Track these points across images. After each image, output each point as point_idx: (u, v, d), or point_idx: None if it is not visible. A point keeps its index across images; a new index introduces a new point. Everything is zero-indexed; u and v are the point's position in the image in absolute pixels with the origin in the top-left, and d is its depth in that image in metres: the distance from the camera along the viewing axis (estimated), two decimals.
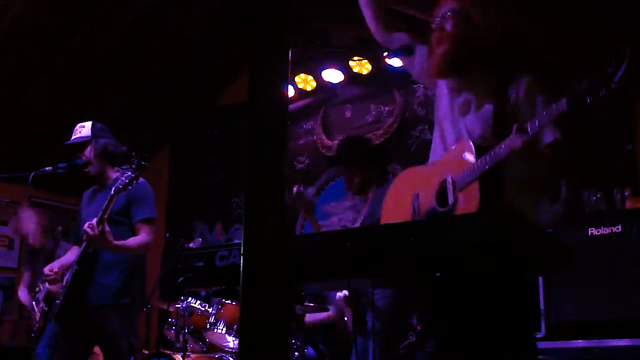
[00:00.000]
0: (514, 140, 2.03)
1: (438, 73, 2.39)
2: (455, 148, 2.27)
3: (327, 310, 4.76)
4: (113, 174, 3.75)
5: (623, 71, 1.87)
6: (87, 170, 3.72)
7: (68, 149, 3.77)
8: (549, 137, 2.14)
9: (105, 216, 3.33)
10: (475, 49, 2.27)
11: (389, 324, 3.46)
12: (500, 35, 2.28)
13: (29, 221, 5.76)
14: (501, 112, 2.22)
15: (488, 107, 2.26)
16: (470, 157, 2.15)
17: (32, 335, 5.48)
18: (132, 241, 3.55)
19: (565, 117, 1.96)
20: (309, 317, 4.73)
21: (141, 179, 3.53)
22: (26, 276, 5.79)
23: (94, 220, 3.30)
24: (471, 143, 2.19)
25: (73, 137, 3.78)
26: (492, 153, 2.09)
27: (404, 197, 2.34)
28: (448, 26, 2.29)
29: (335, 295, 4.40)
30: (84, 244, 3.46)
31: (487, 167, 2.09)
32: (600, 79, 1.90)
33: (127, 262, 3.59)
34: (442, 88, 2.43)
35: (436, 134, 2.44)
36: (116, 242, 3.42)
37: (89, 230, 3.29)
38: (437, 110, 2.45)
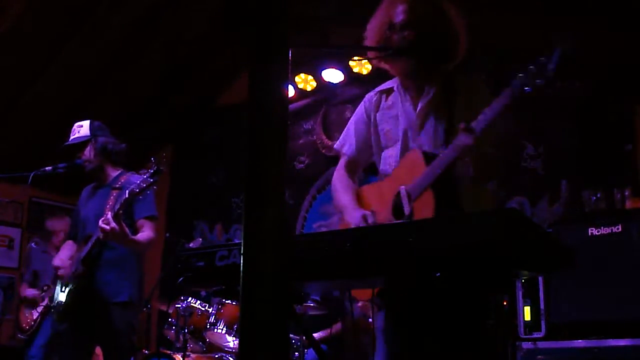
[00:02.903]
0: (463, 140, 2.03)
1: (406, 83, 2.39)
2: (404, 159, 2.27)
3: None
4: (113, 172, 3.77)
5: (558, 58, 1.90)
6: (86, 168, 3.73)
7: (68, 149, 3.77)
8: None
9: (121, 212, 3.35)
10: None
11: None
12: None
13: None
14: (454, 120, 2.21)
15: (442, 118, 2.26)
16: (420, 164, 2.15)
17: (20, 335, 5.45)
18: (141, 236, 3.58)
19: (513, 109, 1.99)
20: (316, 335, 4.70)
21: None
22: (25, 287, 5.76)
23: (109, 215, 3.32)
24: (420, 152, 2.19)
25: (72, 137, 3.78)
26: (443, 156, 2.09)
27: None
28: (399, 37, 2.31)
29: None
30: (90, 242, 3.47)
31: (439, 171, 2.09)
32: (535, 69, 1.94)
33: (127, 260, 3.61)
34: (404, 104, 2.38)
35: (388, 152, 2.39)
36: (131, 237, 3.45)
37: (104, 225, 3.30)
38: (388, 130, 2.40)
